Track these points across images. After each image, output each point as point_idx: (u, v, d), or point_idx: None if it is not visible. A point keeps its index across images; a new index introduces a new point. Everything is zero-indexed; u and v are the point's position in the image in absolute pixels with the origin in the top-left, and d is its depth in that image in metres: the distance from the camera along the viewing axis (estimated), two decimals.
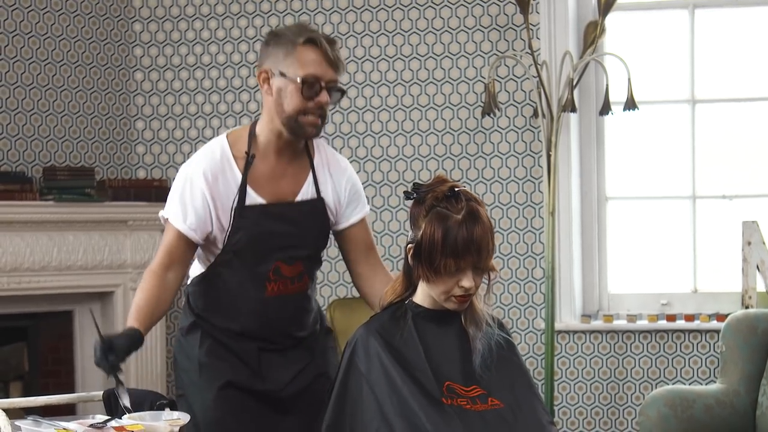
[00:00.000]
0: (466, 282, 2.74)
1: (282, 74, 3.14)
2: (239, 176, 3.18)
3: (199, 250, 3.27)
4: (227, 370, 3.26)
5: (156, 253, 3.26)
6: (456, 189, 2.77)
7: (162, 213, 3.27)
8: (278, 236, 3.21)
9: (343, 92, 3.22)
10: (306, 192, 3.26)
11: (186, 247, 3.21)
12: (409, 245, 2.79)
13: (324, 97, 3.14)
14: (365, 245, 3.37)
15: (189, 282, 3.37)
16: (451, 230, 2.71)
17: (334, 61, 3.16)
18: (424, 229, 2.73)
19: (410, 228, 2.80)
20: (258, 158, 3.20)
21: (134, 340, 3.06)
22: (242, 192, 3.17)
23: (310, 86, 3.12)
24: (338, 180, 3.31)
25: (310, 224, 3.26)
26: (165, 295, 3.18)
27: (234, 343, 3.28)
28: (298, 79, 3.11)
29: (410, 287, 2.86)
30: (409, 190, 2.82)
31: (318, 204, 3.27)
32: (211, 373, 3.26)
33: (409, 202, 2.83)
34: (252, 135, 3.23)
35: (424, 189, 2.79)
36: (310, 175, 3.27)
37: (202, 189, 3.16)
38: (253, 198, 3.19)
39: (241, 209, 3.17)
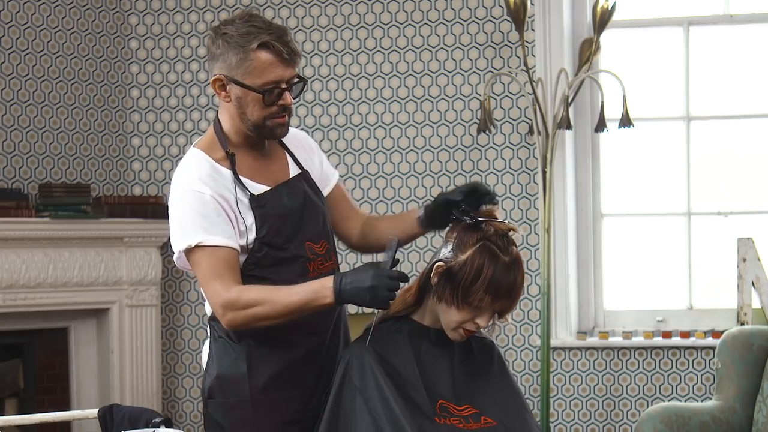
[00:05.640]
0: (482, 321, 2.77)
1: (239, 83, 2.94)
2: (229, 174, 2.97)
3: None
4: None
5: (210, 291, 2.89)
6: (513, 232, 2.77)
7: (181, 248, 2.93)
8: (297, 215, 3.01)
9: (304, 82, 3.00)
10: (293, 170, 3.10)
11: (235, 261, 2.91)
12: (440, 263, 2.77)
13: (288, 98, 2.95)
14: (349, 200, 3.23)
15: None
16: (499, 270, 2.72)
17: (289, 57, 2.94)
18: (471, 257, 2.73)
19: (450, 248, 2.76)
20: (238, 156, 3.01)
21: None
22: (241, 186, 2.96)
23: (271, 93, 2.93)
24: (306, 149, 3.17)
25: (312, 198, 3.08)
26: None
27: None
28: (259, 89, 2.93)
29: (418, 302, 2.85)
30: (460, 211, 2.79)
31: (307, 176, 3.10)
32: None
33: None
34: (222, 136, 3.03)
35: (482, 218, 2.78)
36: (287, 155, 3.12)
37: (210, 195, 2.93)
38: (257, 187, 2.99)
39: (255, 200, 2.96)
